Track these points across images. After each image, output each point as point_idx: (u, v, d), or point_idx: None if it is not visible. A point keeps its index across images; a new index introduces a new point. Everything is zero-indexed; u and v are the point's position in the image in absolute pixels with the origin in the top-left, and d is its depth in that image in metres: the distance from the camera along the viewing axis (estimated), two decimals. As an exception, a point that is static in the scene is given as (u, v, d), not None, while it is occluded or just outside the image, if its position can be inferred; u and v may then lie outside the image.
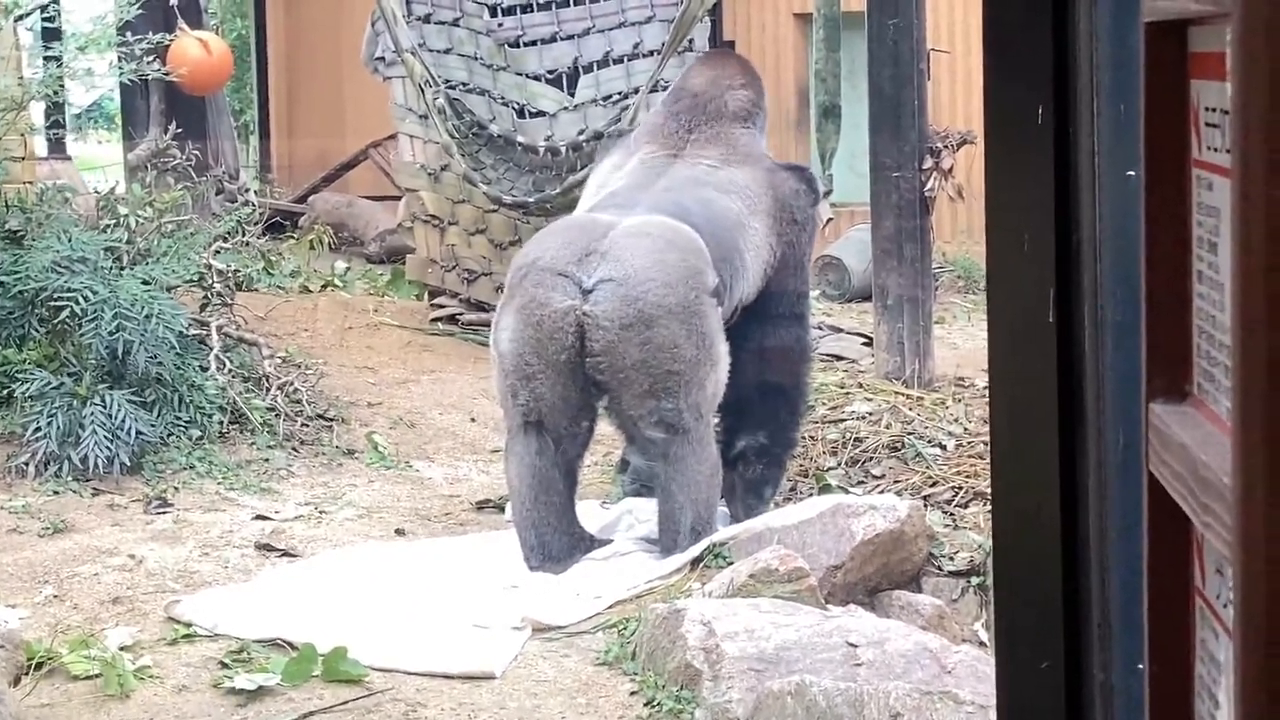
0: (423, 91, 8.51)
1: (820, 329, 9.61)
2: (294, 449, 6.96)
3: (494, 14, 8.73)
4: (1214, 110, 1.02)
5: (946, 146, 7.80)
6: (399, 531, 6.11)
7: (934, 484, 6.17)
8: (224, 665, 4.61)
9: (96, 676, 4.47)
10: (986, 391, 1.79)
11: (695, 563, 5.29)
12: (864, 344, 8.98)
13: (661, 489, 5.48)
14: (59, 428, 6.36)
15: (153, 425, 6.58)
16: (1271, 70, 0.81)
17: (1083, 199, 1.62)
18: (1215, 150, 1.01)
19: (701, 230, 5.59)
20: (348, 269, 10.91)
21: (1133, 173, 1.41)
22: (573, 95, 8.64)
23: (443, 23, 8.82)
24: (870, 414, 6.92)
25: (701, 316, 5.38)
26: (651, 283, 5.28)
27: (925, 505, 5.79)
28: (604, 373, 5.26)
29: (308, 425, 7.16)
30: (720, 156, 6.02)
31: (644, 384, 5.27)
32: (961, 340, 9.59)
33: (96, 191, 8.03)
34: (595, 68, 8.64)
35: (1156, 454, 1.01)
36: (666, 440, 5.34)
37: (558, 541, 5.41)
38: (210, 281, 7.54)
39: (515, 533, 5.52)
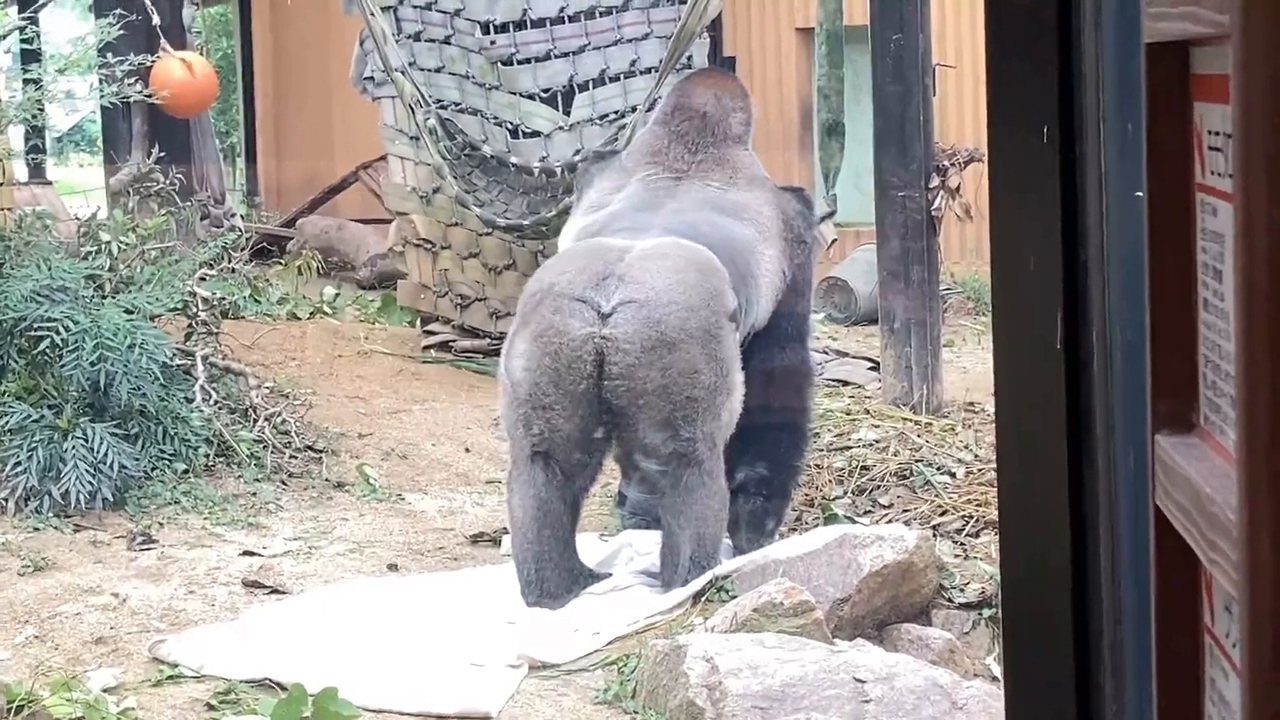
0: (413, 112, 8.52)
1: (825, 353, 9.62)
2: (282, 482, 6.96)
3: (486, 31, 8.75)
4: (1217, 134, 1.02)
5: (953, 164, 7.82)
6: (391, 566, 6.11)
7: (944, 513, 6.16)
8: (211, 707, 4.61)
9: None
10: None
11: (697, 597, 5.28)
12: (870, 369, 8.98)
13: (667, 521, 5.47)
14: (39, 462, 6.36)
15: (136, 459, 6.58)
16: (1272, 93, 0.82)
17: (1090, 219, 1.63)
18: (1219, 175, 1.02)
19: (718, 252, 5.60)
20: (337, 295, 10.92)
21: (1141, 193, 1.41)
22: (568, 114, 8.65)
23: (434, 41, 8.85)
24: (877, 441, 6.92)
25: (720, 341, 5.40)
26: (673, 305, 5.29)
27: (935, 535, 5.79)
28: (622, 397, 5.25)
29: (296, 457, 7.16)
30: (726, 179, 6.04)
31: (662, 411, 5.26)
32: (971, 364, 9.59)
33: (77, 217, 8.03)
34: (591, 86, 8.66)
35: (1162, 487, 1.02)
36: (677, 471, 5.34)
37: (557, 577, 5.40)
38: (195, 310, 7.54)
39: (513, 566, 5.52)
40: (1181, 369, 1.02)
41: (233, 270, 8.26)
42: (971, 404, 7.71)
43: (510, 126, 8.73)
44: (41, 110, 8.01)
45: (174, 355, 7.05)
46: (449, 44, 8.84)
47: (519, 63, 8.75)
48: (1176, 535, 0.97)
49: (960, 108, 12.99)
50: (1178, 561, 0.99)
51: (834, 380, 8.88)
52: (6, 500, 6.34)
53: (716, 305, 5.42)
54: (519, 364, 5.31)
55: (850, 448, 6.81)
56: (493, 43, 8.75)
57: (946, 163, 7.80)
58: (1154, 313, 1.06)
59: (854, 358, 9.47)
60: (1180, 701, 1.01)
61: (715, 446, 5.40)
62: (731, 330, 5.48)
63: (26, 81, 8.05)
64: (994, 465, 6.22)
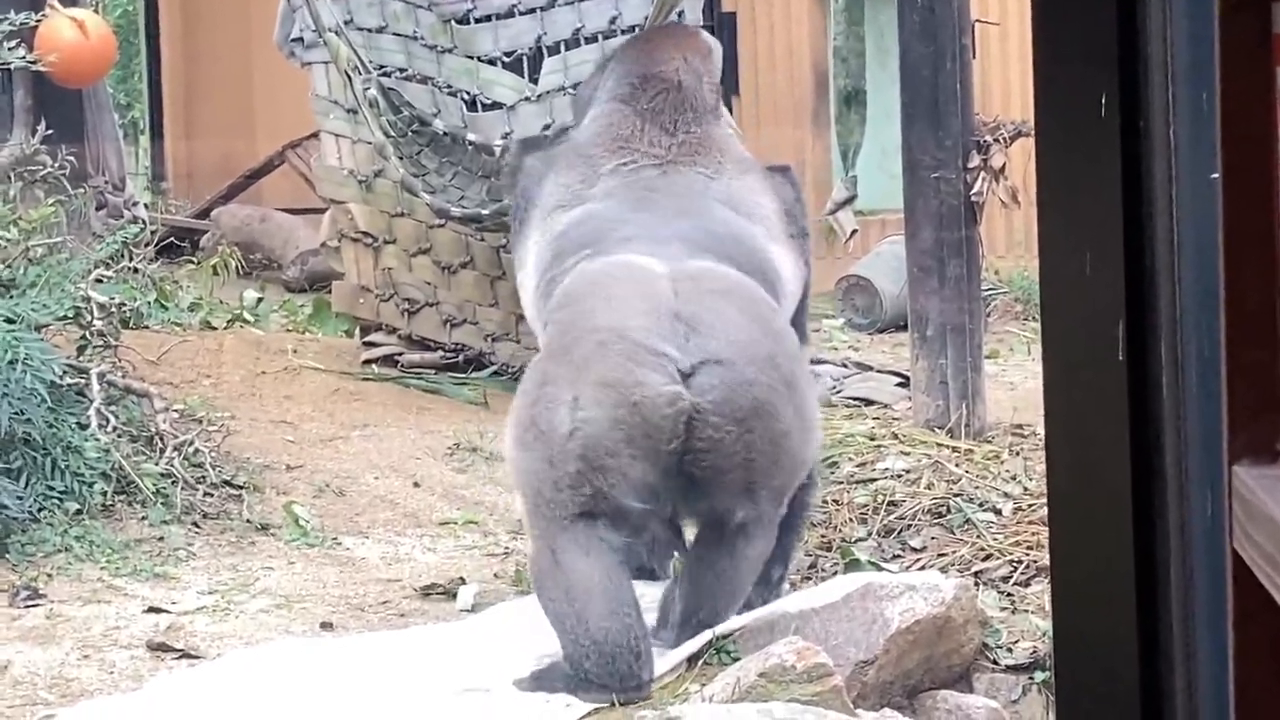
0: (350, 80, 8.52)
1: (845, 366, 9.63)
2: (195, 524, 6.95)
3: (437, -17, 8.76)
4: (1303, 101, 1.02)
5: (997, 140, 7.83)
6: (325, 625, 6.11)
7: (987, 557, 6.17)
8: (109, 795, 4.60)
9: (-50, 811, 4.46)
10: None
11: (693, 659, 5.27)
12: (899, 385, 8.98)
13: (694, 571, 5.46)
14: (-98, 502, 6.35)
15: (19, 498, 6.56)
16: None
17: (1157, 208, 1.63)
18: (1306, 146, 1.02)
19: (744, 266, 5.61)
20: (260, 299, 10.91)
21: (1218, 175, 1.41)
22: (535, 82, 8.66)
23: (375, -5, 8.85)
24: (908, 471, 6.93)
25: (799, 389, 5.46)
26: (755, 362, 5.29)
27: (977, 584, 5.80)
28: (705, 470, 5.24)
29: (211, 494, 7.15)
30: (714, 164, 6.00)
31: (743, 482, 5.27)
32: (1019, 378, 9.60)
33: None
34: (563, 48, 8.66)
35: (1241, 528, 1.01)
36: (733, 529, 5.34)
37: (649, 655, 5.29)
38: (90, 318, 7.52)
39: (483, 629, 5.49)
40: (1265, 386, 1.02)
41: (135, 270, 8.25)
42: (1019, 426, 7.71)
43: (466, 97, 8.72)
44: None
45: (64, 373, 7.03)
46: (393, -1, 8.85)
47: (476, 21, 8.76)
48: (1259, 586, 0.97)
49: (1005, 73, 13.00)
50: (1259, 617, 0.98)
51: (855, 399, 8.89)
52: None
53: (788, 345, 5.47)
54: (575, 414, 5.21)
55: (875, 479, 6.82)
56: (445, -3, 8.76)
57: (988, 138, 7.81)
58: (1231, 318, 1.06)
59: (879, 372, 9.48)
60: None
61: (783, 501, 5.44)
62: (804, 366, 5.55)
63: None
64: (1045, 501, 6.21)
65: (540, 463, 5.23)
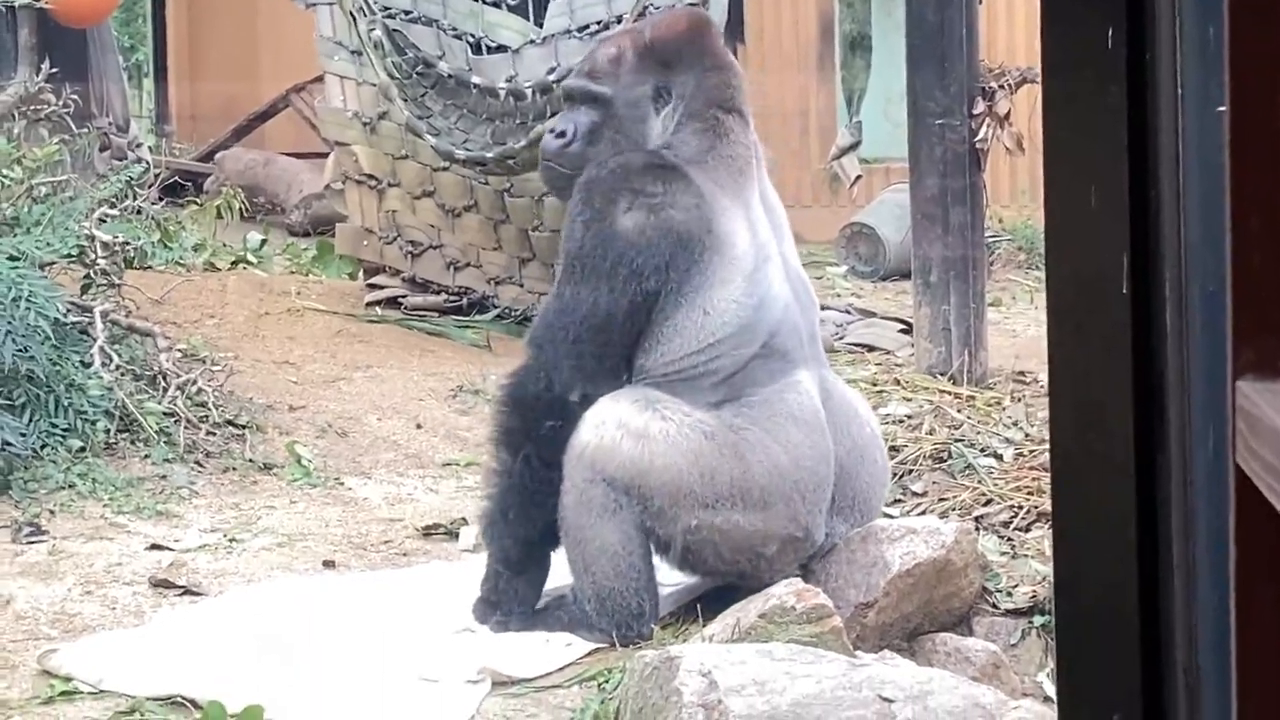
0: (355, 21, 8.51)
1: (848, 313, 9.64)
2: (197, 463, 6.96)
3: (442, -75, 8.74)
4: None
5: (1002, 87, 7.82)
6: (328, 563, 6.12)
7: (988, 502, 6.18)
8: (111, 729, 4.62)
9: (-47, 744, 4.48)
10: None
11: (694, 601, 5.29)
12: (901, 331, 9.00)
13: None
14: (-94, 438, 6.36)
15: (23, 435, 6.57)
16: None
17: (1163, 142, 1.63)
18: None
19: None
20: (264, 242, 10.92)
21: (1224, 108, 1.41)
22: (540, 25, 8.64)
23: (380, -64, 8.83)
24: (909, 417, 6.94)
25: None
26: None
27: (977, 528, 5.80)
28: None
29: (214, 434, 7.16)
30: (763, 195, 5.55)
31: None
32: (1021, 326, 9.61)
33: (-49, 147, 8.02)
34: (568, -9, 8.64)
35: (1244, 442, 1.01)
36: None
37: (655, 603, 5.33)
38: (94, 257, 7.52)
39: (481, 566, 5.50)
40: (1269, 303, 1.02)
41: (138, 211, 8.25)
42: (1022, 373, 7.72)
43: (471, 39, 8.71)
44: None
45: (68, 311, 7.04)
46: (398, -60, 8.82)
47: (482, -38, 8.74)
48: (1261, 500, 0.97)
49: (1011, 19, 12.97)
50: (1262, 532, 0.98)
51: (858, 345, 8.90)
52: None
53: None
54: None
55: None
56: (451, -62, 8.73)
57: (994, 85, 7.80)
58: (1234, 237, 1.06)
59: (882, 318, 9.49)
60: (1263, 700, 1.01)
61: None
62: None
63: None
64: (1047, 444, 6.21)
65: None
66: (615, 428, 5.05)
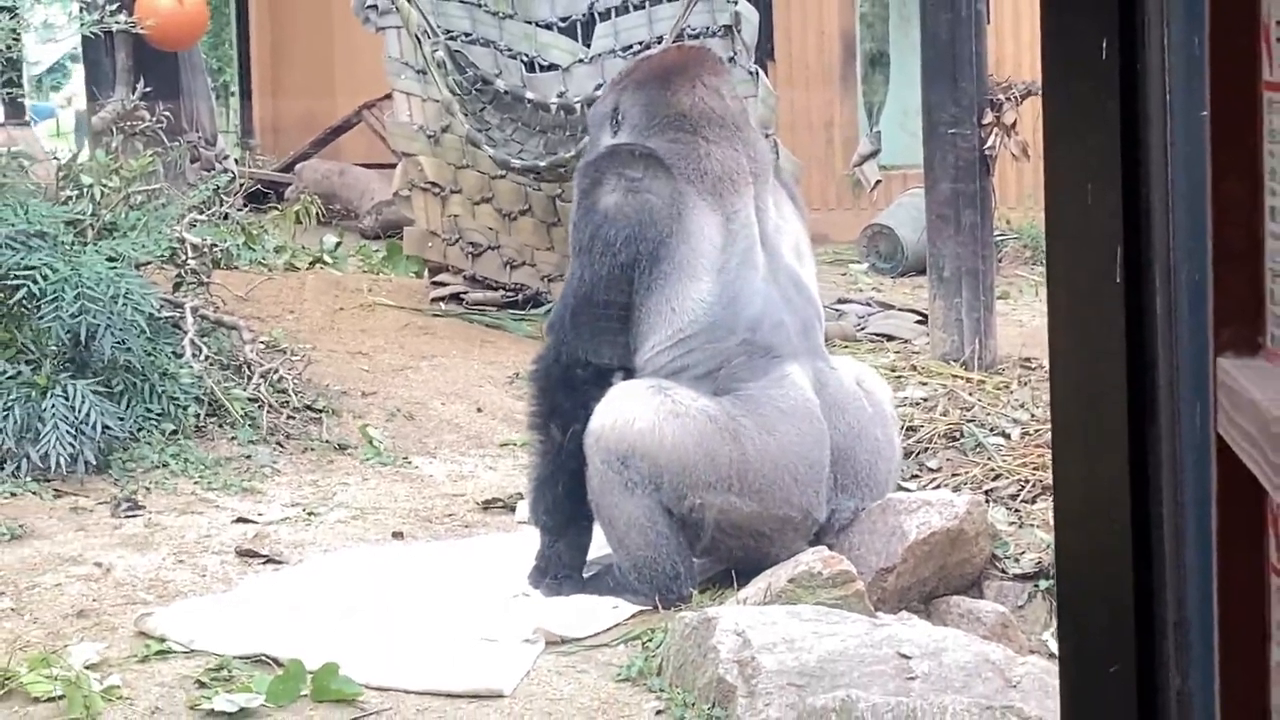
0: (420, 43, 8.51)
1: (869, 305, 9.62)
2: (279, 444, 6.98)
3: (499, -45, 8.73)
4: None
5: (1009, 99, 7.79)
6: (397, 534, 6.13)
7: (997, 477, 6.16)
8: (201, 684, 4.62)
9: (59, 698, 4.48)
10: (1050, 367, 1.79)
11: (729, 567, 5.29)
12: (918, 322, 8.98)
13: None
14: (16, 422, 6.38)
15: (121, 419, 6.60)
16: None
17: (1152, 144, 1.62)
18: (1289, 70, 1.01)
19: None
20: (338, 244, 10.94)
21: (1207, 113, 1.40)
22: (588, 46, 8.63)
23: (442, -35, 8.83)
24: (925, 400, 6.92)
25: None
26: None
27: (987, 501, 5.78)
28: None
29: (294, 417, 7.18)
30: (776, 206, 5.51)
31: None
32: (1027, 317, 9.57)
33: (56, 159, 8.04)
34: (613, 14, 8.63)
35: (1225, 414, 1.01)
36: None
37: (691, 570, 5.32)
38: (184, 258, 7.56)
39: (536, 538, 5.50)
40: (1246, 286, 1.01)
41: (225, 216, 8.28)
42: (1027, 360, 7.69)
43: (525, 59, 8.71)
44: (17, 40, 8.01)
45: (161, 306, 7.06)
46: (459, -31, 8.82)
47: (535, -11, 8.73)
48: (1240, 467, 0.96)
49: (1018, 36, 12.92)
50: (1242, 496, 0.98)
51: (878, 335, 8.89)
52: (-19, 463, 6.37)
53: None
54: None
55: (896, 407, 6.80)
56: (507, -33, 8.73)
57: (1001, 97, 7.77)
58: (1216, 227, 1.05)
59: (900, 310, 9.47)
60: (1243, 649, 1.00)
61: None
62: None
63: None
64: (1050, 424, 6.20)
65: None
66: (626, 412, 5.05)
